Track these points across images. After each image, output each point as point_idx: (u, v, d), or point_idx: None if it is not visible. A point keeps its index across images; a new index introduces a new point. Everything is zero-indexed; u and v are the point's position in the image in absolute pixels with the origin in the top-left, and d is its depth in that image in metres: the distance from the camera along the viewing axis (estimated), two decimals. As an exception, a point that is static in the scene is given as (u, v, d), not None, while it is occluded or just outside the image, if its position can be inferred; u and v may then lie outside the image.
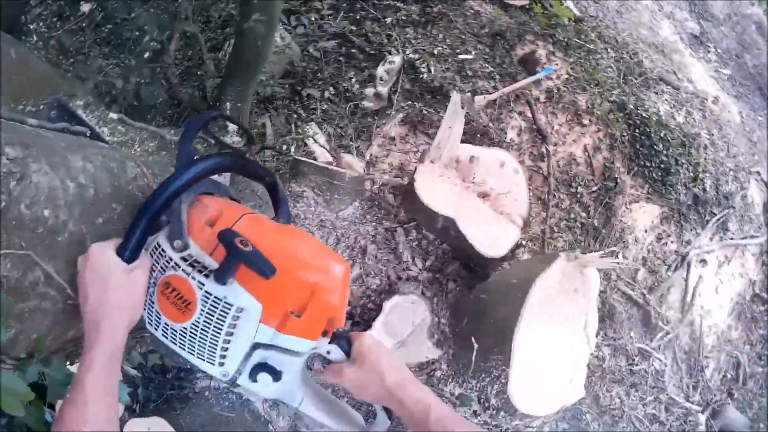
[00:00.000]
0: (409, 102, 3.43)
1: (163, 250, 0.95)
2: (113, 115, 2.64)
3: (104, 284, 0.90)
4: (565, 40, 4.02)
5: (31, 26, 3.92)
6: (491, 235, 2.99)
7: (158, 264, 0.95)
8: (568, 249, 3.56)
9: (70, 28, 3.97)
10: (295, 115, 3.31)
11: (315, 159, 3.19)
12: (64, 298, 0.96)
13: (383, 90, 3.40)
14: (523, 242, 3.16)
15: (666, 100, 4.50)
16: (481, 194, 3.14)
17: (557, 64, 3.89)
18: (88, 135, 1.23)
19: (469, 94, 3.50)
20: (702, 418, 4.03)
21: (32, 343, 0.94)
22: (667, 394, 3.94)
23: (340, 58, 3.48)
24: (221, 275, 0.89)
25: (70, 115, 1.14)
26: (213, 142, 1.08)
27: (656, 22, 5.06)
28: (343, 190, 3.02)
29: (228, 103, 2.94)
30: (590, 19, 4.40)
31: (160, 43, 3.22)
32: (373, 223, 3.13)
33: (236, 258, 0.88)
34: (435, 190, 2.98)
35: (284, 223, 1.09)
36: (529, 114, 3.65)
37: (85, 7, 4.14)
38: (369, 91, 3.40)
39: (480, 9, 3.89)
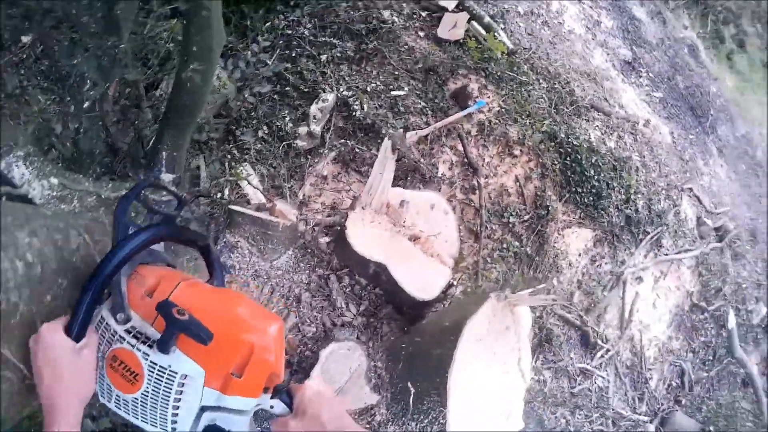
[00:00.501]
0: (342, 140, 3.50)
1: (107, 324, 1.01)
2: (54, 180, 2.65)
3: (55, 365, 0.95)
4: (498, 73, 4.15)
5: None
6: (422, 278, 3.08)
7: (104, 337, 1.01)
8: (501, 279, 3.68)
9: (10, 60, 3.90)
10: (228, 156, 3.33)
11: (248, 201, 3.22)
12: (21, 378, 1.01)
13: (316, 128, 3.46)
14: (455, 282, 3.25)
15: (597, 126, 4.68)
16: (411, 237, 3.22)
17: (489, 97, 4.01)
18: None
19: (401, 130, 3.58)
20: (651, 427, 4.21)
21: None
22: (612, 410, 4.10)
23: (275, 97, 3.52)
24: (163, 345, 0.95)
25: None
26: (147, 211, 1.16)
27: (589, 51, 5.25)
28: (276, 239, 3.06)
29: (164, 153, 2.95)
30: (523, 51, 4.55)
31: (100, 90, 3.21)
32: (307, 271, 3.18)
33: (175, 327, 0.93)
34: (366, 236, 3.05)
35: (218, 285, 1.18)
36: (460, 148, 3.76)
37: (26, 39, 4.07)
38: (302, 129, 3.46)
39: (414, 45, 3.98)
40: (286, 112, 3.49)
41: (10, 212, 1.15)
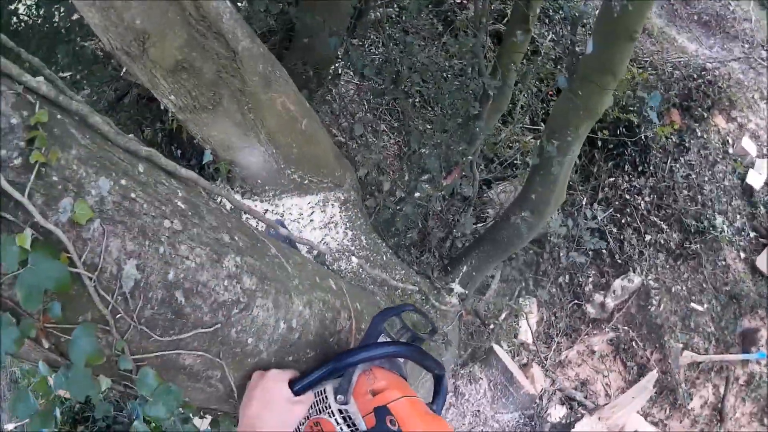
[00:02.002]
0: (626, 327, 3.48)
1: (326, 396, 1.11)
2: (354, 260, 2.84)
3: (268, 404, 1.06)
4: (790, 328, 3.91)
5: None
6: None
7: (317, 405, 1.12)
8: None
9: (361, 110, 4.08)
10: (523, 283, 3.42)
11: (515, 335, 3.32)
12: (226, 394, 1.14)
13: (611, 303, 3.48)
14: None
15: None
16: None
17: (772, 351, 3.80)
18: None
19: (681, 345, 3.51)
20: None
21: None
22: None
23: (589, 253, 3.55)
24: None
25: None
26: (401, 326, 1.33)
27: None
28: (513, 398, 3.15)
29: (465, 268, 3.08)
30: (821, 314, 4.25)
31: (432, 186, 3.34)
32: None
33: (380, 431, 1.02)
34: None
35: (436, 411, 1.26)
36: (721, 390, 3.62)
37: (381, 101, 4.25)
38: (598, 297, 3.48)
39: (731, 264, 3.85)
40: (592, 272, 3.52)
41: (304, 271, 1.32)
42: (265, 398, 1.07)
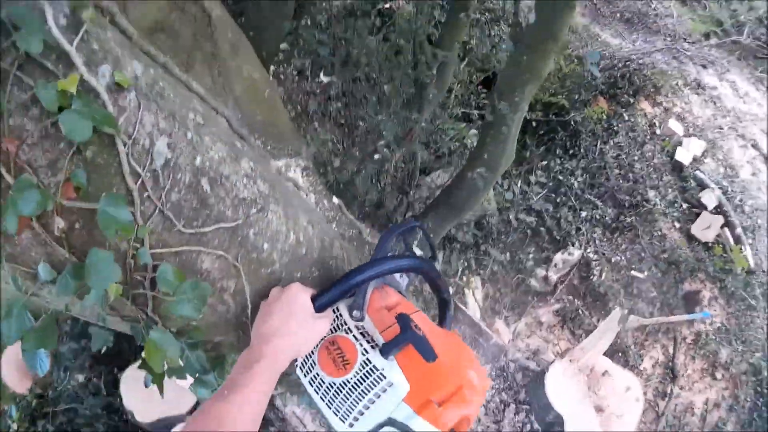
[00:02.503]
0: (570, 297, 3.65)
1: (341, 314, 1.11)
2: (335, 200, 3.02)
3: (291, 315, 1.03)
4: (732, 288, 4.11)
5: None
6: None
7: (332, 324, 1.11)
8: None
9: (312, 90, 4.45)
10: (466, 263, 3.60)
11: (465, 310, 3.47)
12: (237, 313, 1.11)
13: (553, 276, 3.65)
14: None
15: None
16: (597, 407, 3.32)
17: (716, 311, 3.99)
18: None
19: (626, 311, 3.67)
20: None
21: (187, 327, 1.08)
22: None
23: (527, 231, 3.75)
24: (388, 349, 1.02)
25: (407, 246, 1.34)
26: (404, 247, 1.33)
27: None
28: (483, 350, 3.29)
29: (426, 225, 3.25)
30: (761, 275, 4.45)
31: (389, 150, 3.60)
32: (493, 390, 3.37)
33: (407, 337, 0.99)
34: (561, 386, 3.23)
35: (446, 325, 1.28)
36: (671, 350, 3.78)
37: (325, 79, 4.61)
38: (540, 272, 3.66)
39: (667, 233, 4.07)
40: (532, 249, 3.71)
41: (297, 198, 1.33)
42: (289, 310, 1.04)
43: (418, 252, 2.75)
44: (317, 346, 1.10)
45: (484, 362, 3.42)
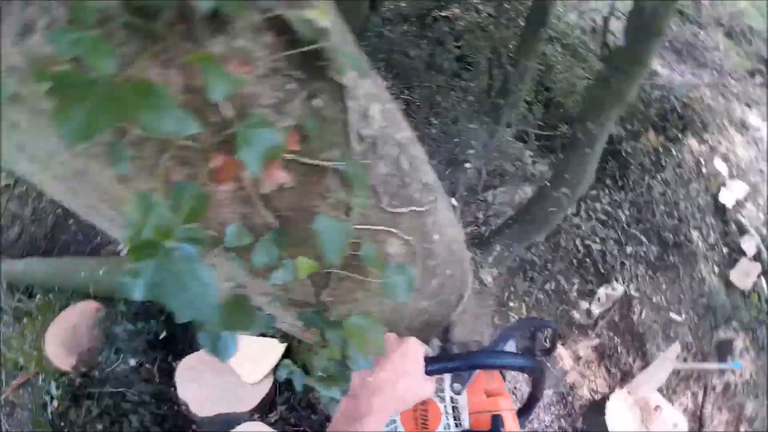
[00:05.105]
0: (611, 333, 3.58)
1: (443, 378, 1.13)
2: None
3: (406, 371, 1.00)
4: (764, 340, 4.08)
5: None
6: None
7: None
8: None
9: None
10: (513, 288, 3.51)
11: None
12: (387, 316, 1.10)
13: (596, 311, 3.57)
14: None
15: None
16: None
17: (746, 362, 3.95)
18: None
19: (661, 353, 3.61)
20: None
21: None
22: None
23: (574, 261, 3.66)
24: None
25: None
26: (530, 341, 1.31)
27: None
28: (549, 375, 3.25)
29: (498, 246, 3.09)
30: (791, 327, 4.44)
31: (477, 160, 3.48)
32: (552, 416, 3.33)
33: None
34: (619, 416, 3.24)
35: (523, 419, 1.28)
36: (699, 398, 3.73)
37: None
38: (584, 304, 3.57)
39: (707, 277, 4.01)
40: (577, 280, 3.62)
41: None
42: (404, 365, 1.00)
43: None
44: None
45: (549, 386, 3.37)
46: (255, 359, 2.88)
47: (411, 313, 1.23)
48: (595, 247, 3.75)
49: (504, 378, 1.23)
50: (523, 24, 3.76)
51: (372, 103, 0.78)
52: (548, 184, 2.85)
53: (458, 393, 1.10)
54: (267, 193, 0.73)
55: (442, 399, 1.09)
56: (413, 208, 0.92)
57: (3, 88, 0.59)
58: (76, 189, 0.73)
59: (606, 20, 3.01)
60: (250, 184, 0.70)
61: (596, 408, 3.31)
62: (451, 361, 1.08)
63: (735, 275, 4.18)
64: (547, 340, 1.33)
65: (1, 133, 0.66)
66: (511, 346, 1.21)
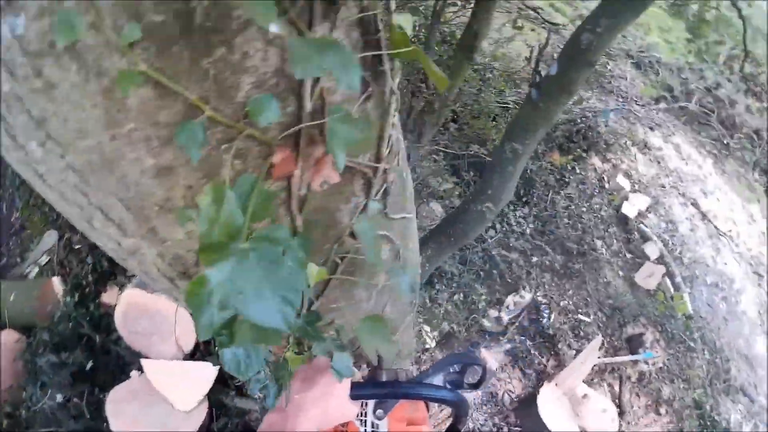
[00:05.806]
0: (522, 337, 3.90)
1: (366, 403, 1.15)
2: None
3: (332, 393, 1.01)
4: (672, 331, 4.42)
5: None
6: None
7: None
8: None
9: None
10: (420, 308, 3.83)
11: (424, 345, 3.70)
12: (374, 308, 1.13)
13: (505, 318, 3.90)
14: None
15: (740, 410, 4.76)
16: (580, 427, 3.61)
17: (658, 352, 4.28)
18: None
19: (573, 352, 3.93)
20: None
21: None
22: None
23: (480, 272, 4.02)
24: None
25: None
26: (458, 376, 1.29)
27: (754, 337, 5.36)
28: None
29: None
30: (699, 320, 4.79)
31: None
32: (485, 415, 3.61)
33: None
34: (551, 408, 3.50)
35: None
36: (617, 388, 4.03)
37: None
38: (493, 312, 3.91)
39: (612, 281, 4.38)
40: (485, 291, 3.97)
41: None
42: (332, 387, 1.02)
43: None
44: None
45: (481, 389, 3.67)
46: (186, 385, 2.81)
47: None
48: (501, 259, 4.12)
49: (428, 408, 1.28)
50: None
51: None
52: (470, 198, 3.04)
53: (380, 419, 1.13)
54: (302, 194, 0.72)
55: (363, 423, 1.13)
56: (404, 215, 0.94)
57: (62, 30, 0.49)
58: (93, 183, 0.64)
59: (541, 48, 3.41)
60: (296, 182, 0.70)
61: (527, 402, 3.58)
62: (377, 388, 1.12)
63: (639, 277, 4.56)
64: (475, 376, 1.34)
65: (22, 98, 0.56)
66: (439, 380, 1.24)
